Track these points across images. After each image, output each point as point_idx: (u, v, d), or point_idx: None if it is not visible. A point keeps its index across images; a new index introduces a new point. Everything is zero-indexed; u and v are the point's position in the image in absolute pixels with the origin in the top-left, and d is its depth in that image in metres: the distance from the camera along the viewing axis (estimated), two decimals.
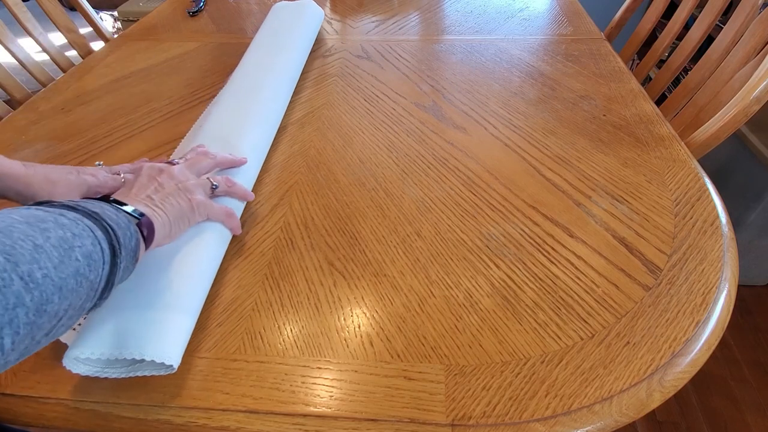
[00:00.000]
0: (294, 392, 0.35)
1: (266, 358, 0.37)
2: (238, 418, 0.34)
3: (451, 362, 0.36)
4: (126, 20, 1.82)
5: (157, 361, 0.33)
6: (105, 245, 0.29)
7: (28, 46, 0.87)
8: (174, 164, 0.44)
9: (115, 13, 1.89)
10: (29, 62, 0.86)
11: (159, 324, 0.35)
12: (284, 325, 0.40)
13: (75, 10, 1.00)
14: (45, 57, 0.91)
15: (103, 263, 0.29)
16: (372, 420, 0.33)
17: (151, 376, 0.36)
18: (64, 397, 0.35)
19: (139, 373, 0.35)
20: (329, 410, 0.34)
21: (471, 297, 0.41)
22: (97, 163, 0.50)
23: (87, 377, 0.36)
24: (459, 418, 0.33)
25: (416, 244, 0.46)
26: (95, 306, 0.30)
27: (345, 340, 0.39)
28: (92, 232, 0.29)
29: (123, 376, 0.35)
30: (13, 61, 0.85)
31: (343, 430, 0.33)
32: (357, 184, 0.54)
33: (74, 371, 0.34)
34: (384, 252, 0.46)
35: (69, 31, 0.95)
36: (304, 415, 0.34)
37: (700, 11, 0.80)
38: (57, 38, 0.93)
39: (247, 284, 0.44)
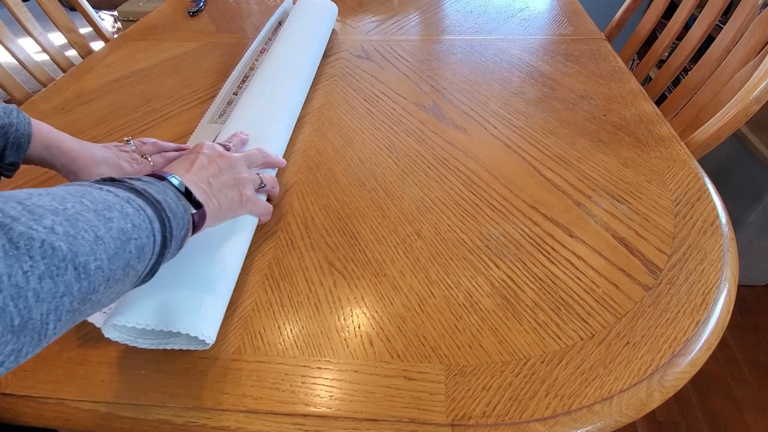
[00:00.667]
0: (294, 392, 0.35)
1: (266, 358, 0.37)
2: (238, 418, 0.34)
3: (451, 362, 0.36)
4: (126, 20, 1.82)
5: (192, 334, 0.35)
6: (158, 237, 0.30)
7: (28, 46, 0.87)
8: (227, 147, 0.47)
9: (115, 13, 1.89)
10: (29, 62, 0.86)
11: (197, 301, 0.37)
12: (284, 325, 0.40)
13: (75, 10, 1.00)
14: (45, 57, 0.91)
15: (153, 254, 0.30)
16: (372, 420, 0.33)
17: (149, 375, 0.36)
18: (64, 397, 0.35)
19: (169, 346, 0.37)
20: (329, 410, 0.34)
21: (471, 297, 0.41)
22: (125, 138, 0.52)
23: (86, 378, 0.36)
24: (459, 418, 0.33)
25: (416, 244, 0.46)
26: (131, 289, 0.32)
27: (345, 340, 0.39)
28: (151, 223, 0.30)
29: (154, 347, 0.37)
30: (13, 61, 0.85)
31: (343, 430, 0.33)
32: (357, 184, 0.54)
33: (111, 338, 0.36)
34: (384, 252, 0.46)
35: (69, 31, 0.95)
36: (304, 415, 0.34)
37: (700, 11, 0.80)
38: (57, 38, 0.93)
39: (247, 284, 0.43)
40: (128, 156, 0.50)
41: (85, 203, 0.27)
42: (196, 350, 0.38)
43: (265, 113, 0.59)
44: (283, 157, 0.59)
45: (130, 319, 0.35)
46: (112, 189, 0.30)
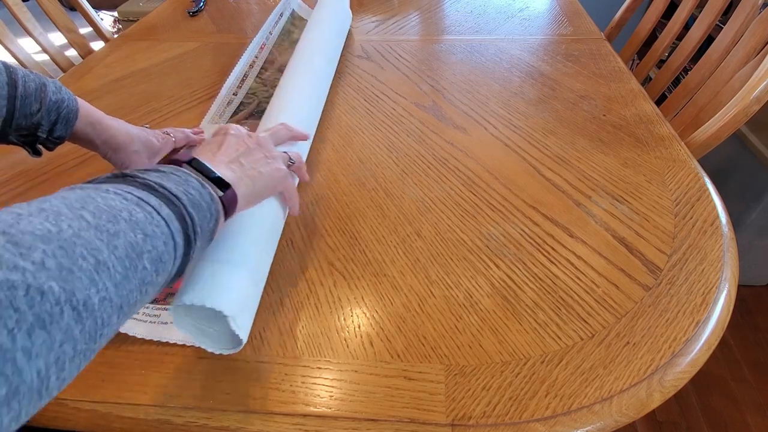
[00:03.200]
0: (294, 392, 0.35)
1: (266, 358, 0.37)
2: (238, 418, 0.34)
3: (451, 362, 0.36)
4: (126, 20, 1.82)
5: (226, 312, 0.33)
6: (180, 239, 0.28)
7: (28, 46, 0.87)
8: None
9: (115, 14, 1.89)
10: (29, 62, 0.86)
11: (243, 295, 0.36)
12: (284, 325, 0.40)
13: (75, 10, 1.00)
14: (45, 57, 0.91)
15: (174, 259, 0.27)
16: (372, 420, 0.33)
17: (149, 375, 0.36)
18: (63, 397, 0.35)
19: (203, 346, 0.36)
20: (329, 410, 0.34)
21: (471, 297, 0.41)
22: (144, 124, 0.54)
23: (87, 378, 0.36)
24: (459, 418, 0.33)
25: (416, 244, 0.46)
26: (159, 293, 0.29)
27: (345, 340, 0.39)
28: (168, 226, 0.27)
29: (190, 337, 0.36)
30: (13, 61, 0.85)
31: (343, 430, 0.33)
32: (357, 184, 0.54)
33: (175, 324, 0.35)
34: (384, 252, 0.46)
35: (69, 31, 0.95)
36: (304, 415, 0.34)
37: (700, 11, 0.80)
38: (57, 38, 0.93)
39: None
40: (154, 132, 0.53)
41: (86, 217, 0.23)
42: (212, 353, 0.37)
43: (295, 109, 0.58)
44: None
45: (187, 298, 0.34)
46: (120, 189, 0.27)
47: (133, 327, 0.39)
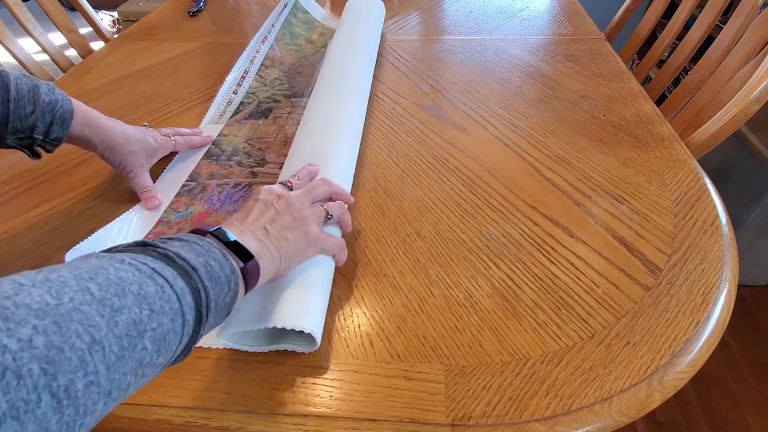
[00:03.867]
0: (294, 392, 0.35)
1: (266, 358, 0.37)
2: (238, 418, 0.34)
3: (451, 362, 0.36)
4: (126, 20, 1.82)
5: (297, 329, 0.35)
6: (190, 316, 0.26)
7: (28, 46, 0.87)
8: (289, 185, 0.42)
9: (115, 14, 1.89)
10: (29, 62, 0.86)
11: (305, 300, 0.37)
12: None
13: (75, 10, 1.00)
14: (45, 57, 0.91)
15: (181, 337, 0.25)
16: (372, 420, 0.33)
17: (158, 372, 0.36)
18: None
19: (277, 347, 0.37)
20: (329, 410, 0.34)
21: (471, 297, 0.41)
22: (144, 123, 0.54)
23: None
24: (459, 418, 0.33)
25: (416, 244, 0.46)
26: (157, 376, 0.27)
27: (345, 340, 0.39)
28: (179, 301, 0.25)
29: (264, 350, 0.37)
30: (13, 61, 0.85)
31: (343, 430, 0.33)
32: (357, 185, 0.54)
33: (227, 345, 0.37)
34: (384, 252, 0.46)
35: (69, 31, 0.95)
36: (304, 415, 0.34)
37: (700, 11, 0.80)
38: (57, 38, 0.93)
39: None
40: (153, 132, 0.53)
41: (91, 290, 0.22)
42: (285, 350, 0.37)
43: (330, 136, 0.54)
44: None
45: (241, 326, 0.35)
46: (136, 260, 0.25)
47: None
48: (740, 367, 1.11)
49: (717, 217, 0.47)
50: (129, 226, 0.49)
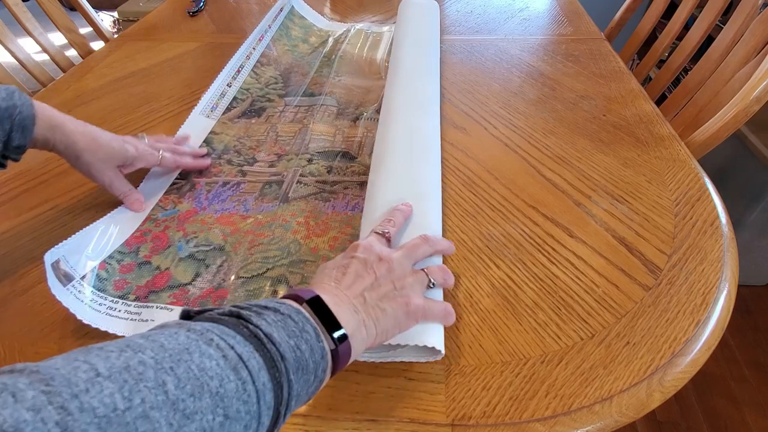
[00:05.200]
0: None
1: None
2: None
3: (451, 362, 0.36)
4: (126, 20, 1.82)
5: (426, 344, 0.34)
6: (266, 417, 0.24)
7: (28, 46, 0.87)
8: (387, 237, 0.39)
9: (115, 14, 1.89)
10: (29, 62, 0.86)
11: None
12: None
13: (75, 10, 1.00)
14: (45, 57, 0.91)
15: None
16: (372, 420, 0.33)
17: None
18: None
19: (399, 358, 0.36)
20: (329, 410, 0.34)
21: (471, 297, 0.41)
22: (139, 135, 0.52)
23: None
24: (459, 418, 0.33)
25: None
26: None
27: None
28: (258, 402, 0.23)
29: (380, 360, 0.36)
30: (13, 61, 0.85)
31: (343, 430, 0.33)
32: None
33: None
34: None
35: (69, 31, 0.95)
36: (304, 415, 0.34)
37: (700, 11, 0.80)
38: (57, 38, 0.93)
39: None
40: (137, 141, 0.51)
41: (167, 386, 0.21)
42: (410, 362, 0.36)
43: (412, 167, 0.49)
44: None
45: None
46: (224, 341, 0.24)
47: (114, 324, 0.39)
48: (740, 367, 1.11)
49: (717, 217, 0.47)
50: (115, 225, 0.48)
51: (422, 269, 0.37)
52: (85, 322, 0.38)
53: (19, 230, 0.49)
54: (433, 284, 0.37)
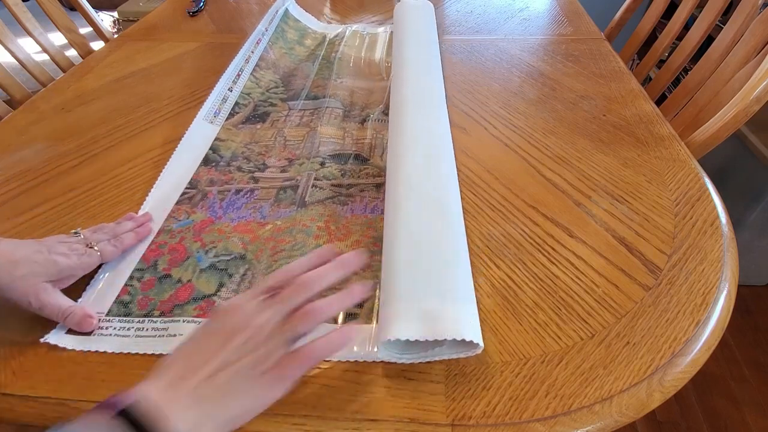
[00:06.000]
0: (294, 392, 0.35)
1: None
2: None
3: (451, 362, 0.36)
4: (126, 20, 1.82)
5: (464, 339, 0.33)
6: None
7: (28, 46, 0.87)
8: (274, 294, 0.33)
9: (115, 14, 1.89)
10: (29, 62, 0.86)
11: (460, 306, 0.36)
12: None
13: (75, 10, 1.00)
14: (45, 57, 0.91)
15: None
16: (372, 420, 0.33)
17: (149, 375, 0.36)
18: (64, 397, 0.35)
19: (437, 357, 0.35)
20: (329, 410, 0.34)
21: None
22: (72, 231, 0.44)
23: (87, 378, 0.36)
24: (459, 418, 0.33)
25: None
26: None
27: None
28: None
29: (420, 360, 0.36)
30: (13, 61, 0.85)
31: (343, 430, 0.33)
32: None
33: (383, 358, 0.36)
34: None
35: (69, 31, 0.95)
36: (305, 416, 0.34)
37: (700, 11, 0.80)
38: (57, 38, 0.93)
39: None
40: (68, 247, 0.41)
41: None
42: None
43: (431, 169, 0.48)
44: None
45: (401, 334, 0.33)
46: None
47: (143, 345, 0.38)
48: (740, 367, 1.11)
49: (717, 217, 0.47)
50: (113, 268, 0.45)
51: (287, 321, 0.32)
52: (117, 352, 0.38)
53: (19, 230, 0.49)
54: (304, 333, 0.32)
